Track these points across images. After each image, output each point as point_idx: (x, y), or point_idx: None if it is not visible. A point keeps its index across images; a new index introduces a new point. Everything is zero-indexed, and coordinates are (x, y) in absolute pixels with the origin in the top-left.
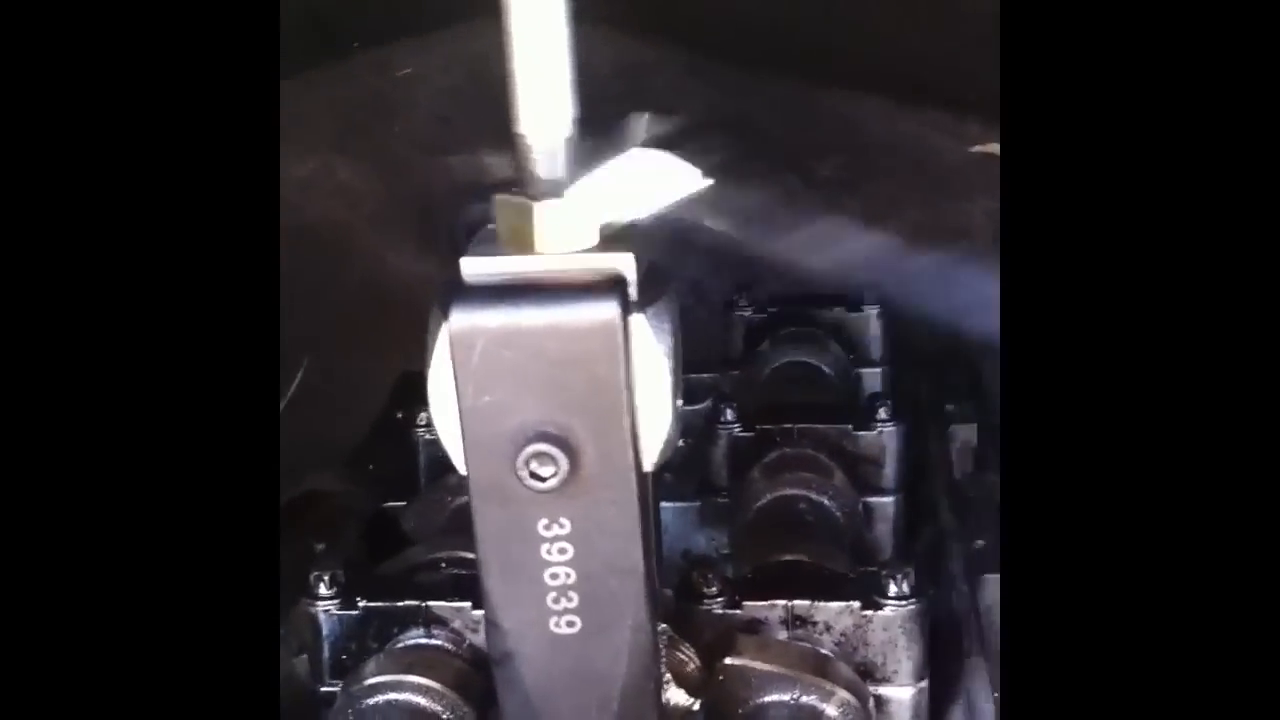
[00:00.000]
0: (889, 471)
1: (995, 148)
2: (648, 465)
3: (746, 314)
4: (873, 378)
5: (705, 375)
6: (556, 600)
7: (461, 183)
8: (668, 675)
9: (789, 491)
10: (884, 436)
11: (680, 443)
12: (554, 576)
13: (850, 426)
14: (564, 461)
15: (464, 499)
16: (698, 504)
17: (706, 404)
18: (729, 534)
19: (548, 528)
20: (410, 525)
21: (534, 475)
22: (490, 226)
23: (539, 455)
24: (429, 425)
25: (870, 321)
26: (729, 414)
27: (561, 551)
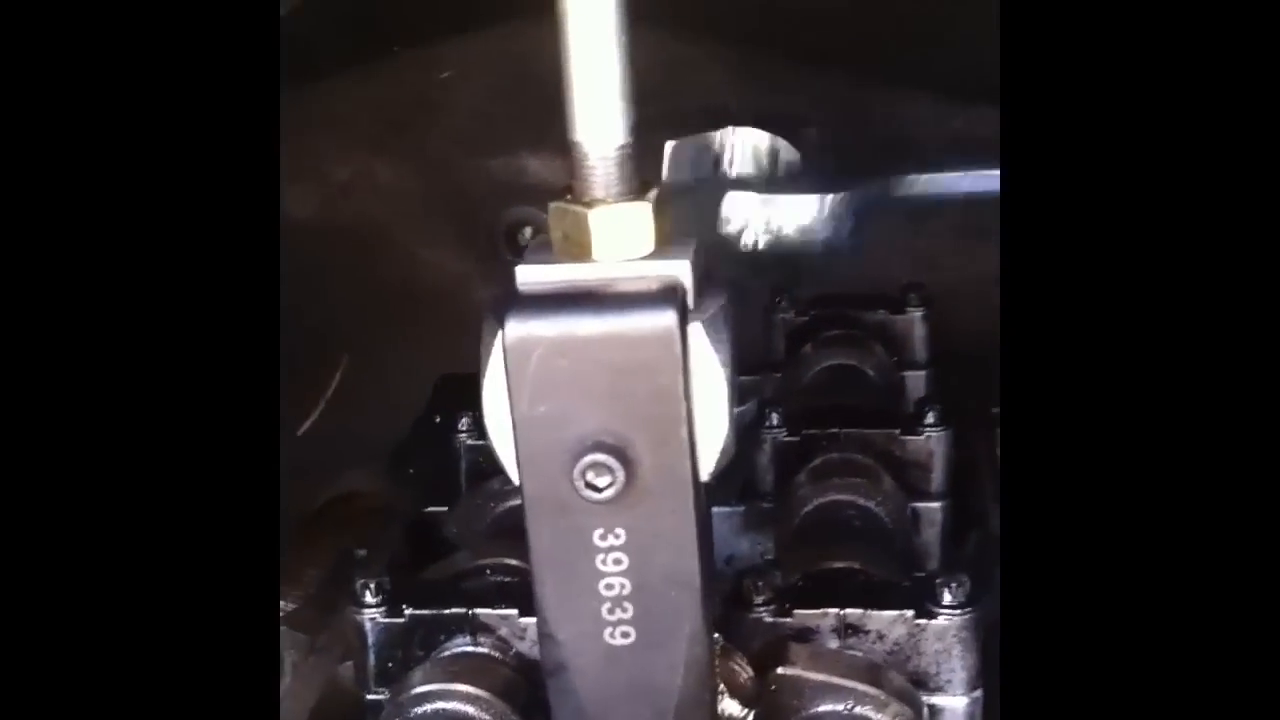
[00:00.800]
0: (937, 476)
1: None
2: (704, 474)
3: (788, 316)
4: (917, 380)
5: (746, 378)
6: (611, 611)
7: (501, 183)
8: (721, 685)
9: (837, 497)
10: (932, 441)
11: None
12: (609, 587)
13: (897, 431)
14: (621, 472)
15: (507, 504)
16: (742, 509)
17: (749, 406)
18: (775, 540)
19: (603, 538)
20: (451, 530)
21: (590, 486)
22: (544, 235)
23: (595, 465)
24: (470, 430)
25: (915, 323)
26: (774, 418)
27: (617, 562)
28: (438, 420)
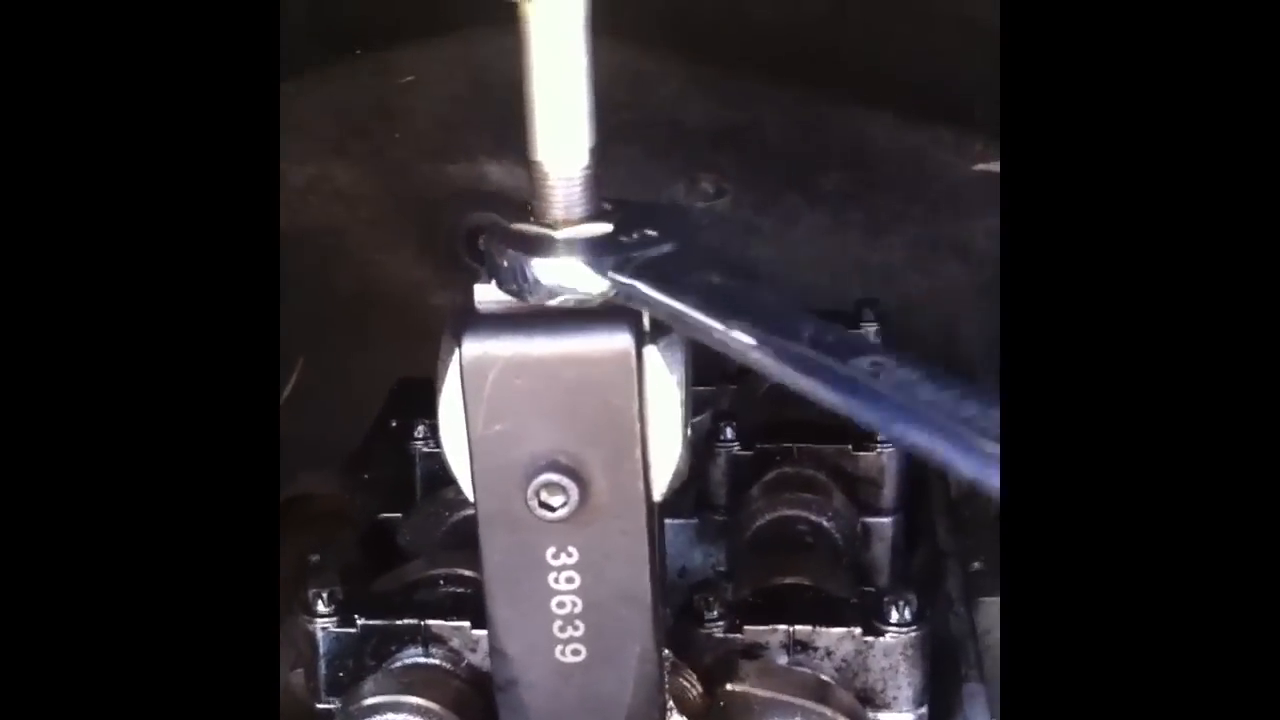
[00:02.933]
0: (888, 492)
1: (999, 166)
2: (657, 495)
3: None
4: None
5: (701, 389)
6: (563, 629)
7: (461, 189)
8: (670, 702)
9: (788, 512)
10: (884, 457)
11: None
12: (561, 605)
13: (849, 446)
14: (574, 491)
15: (462, 514)
16: (695, 521)
17: (704, 417)
18: (727, 553)
19: (556, 556)
20: (406, 538)
21: (544, 505)
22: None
23: (549, 485)
24: (426, 437)
25: (869, 337)
26: (729, 432)
27: (569, 580)
28: (394, 425)
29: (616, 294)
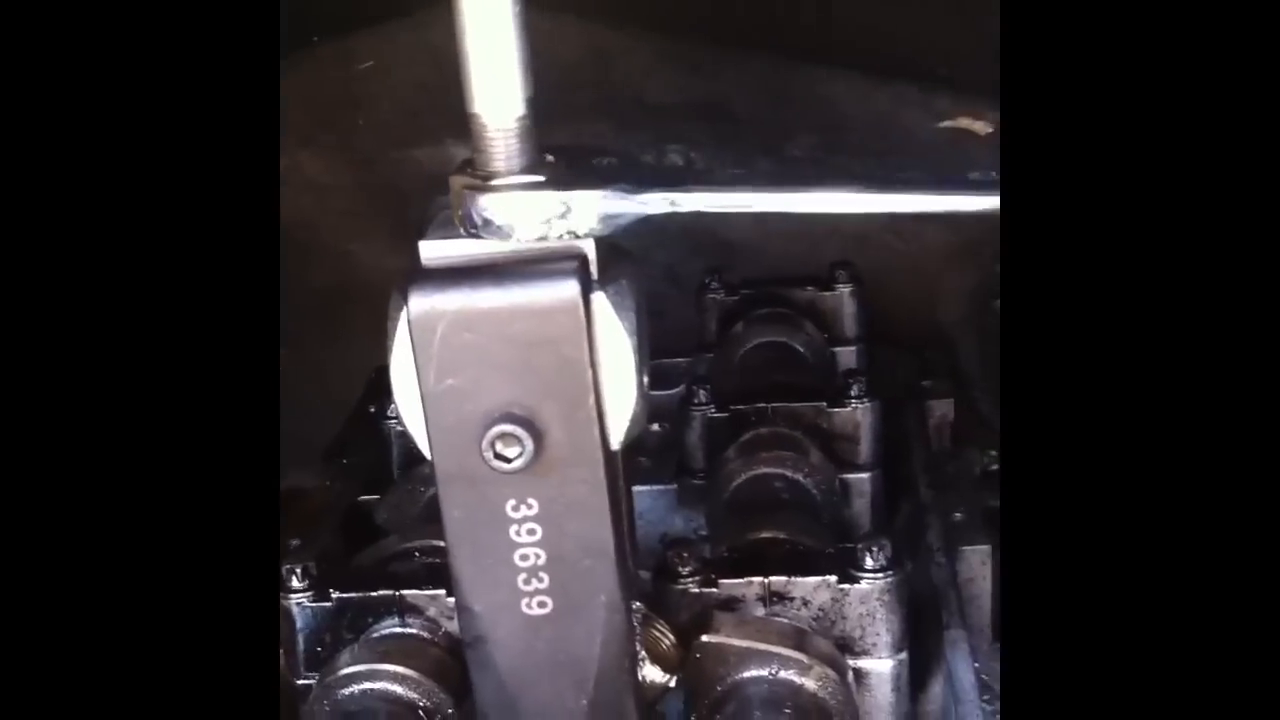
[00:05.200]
0: (865, 447)
1: (965, 122)
2: (614, 443)
3: (719, 296)
4: (848, 356)
5: (680, 359)
6: (527, 581)
7: (430, 174)
8: (643, 653)
9: (764, 470)
10: (858, 413)
11: (656, 426)
12: (524, 558)
13: (824, 404)
14: (529, 442)
15: (436, 489)
16: (674, 486)
17: (681, 388)
18: (706, 515)
19: (516, 509)
20: (383, 517)
21: (499, 456)
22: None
23: (504, 436)
24: (399, 417)
25: (844, 300)
26: (702, 395)
27: (530, 532)
28: (371, 410)
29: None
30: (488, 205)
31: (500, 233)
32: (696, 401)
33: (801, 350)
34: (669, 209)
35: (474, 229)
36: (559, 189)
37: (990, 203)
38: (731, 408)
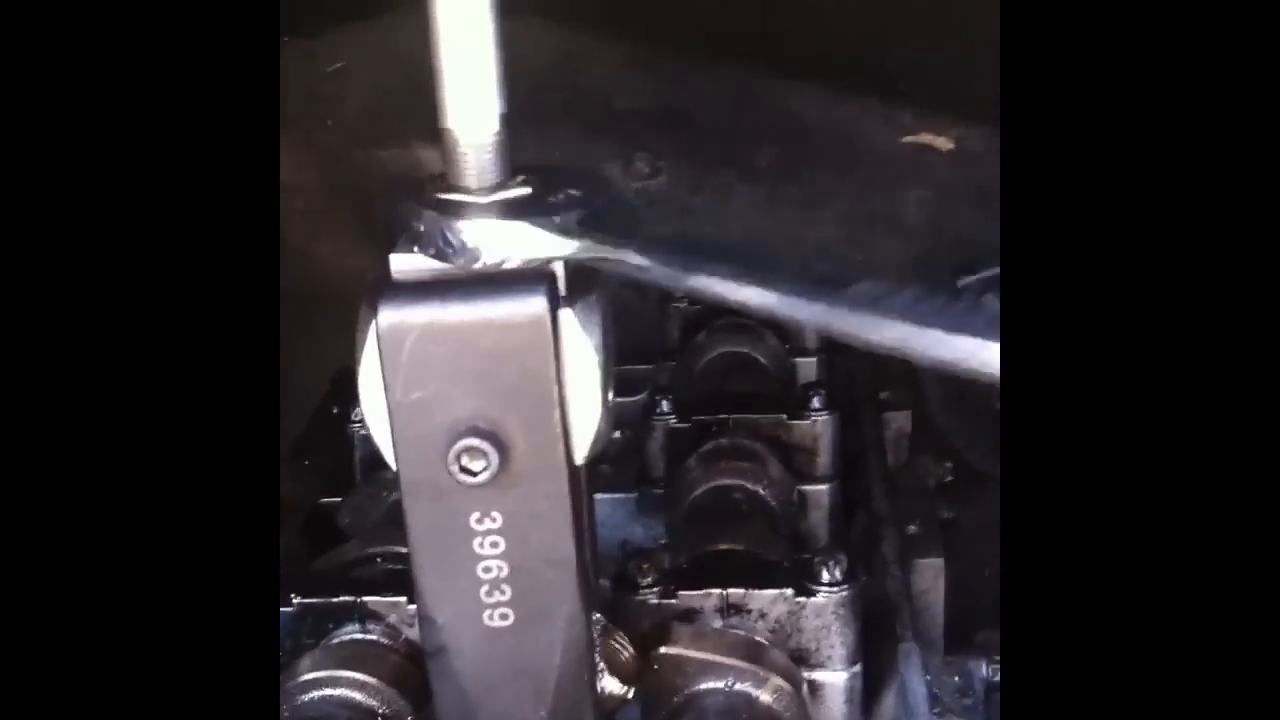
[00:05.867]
0: (823, 460)
1: (927, 138)
2: (579, 458)
3: (682, 305)
4: (808, 367)
5: (642, 367)
6: (489, 593)
7: (395, 176)
8: (602, 664)
9: (724, 481)
10: (818, 425)
11: (617, 434)
12: (486, 570)
13: (784, 416)
14: (494, 456)
15: (398, 494)
16: (635, 495)
17: (643, 396)
18: (666, 524)
19: (479, 521)
20: (345, 521)
21: (465, 470)
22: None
23: (469, 450)
24: (364, 421)
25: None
26: (664, 405)
27: (494, 545)
28: (334, 412)
29: (569, 254)
30: (458, 230)
31: (468, 256)
32: (659, 411)
33: (763, 361)
34: (601, 262)
35: (441, 251)
36: (523, 219)
37: (987, 361)
38: (693, 418)
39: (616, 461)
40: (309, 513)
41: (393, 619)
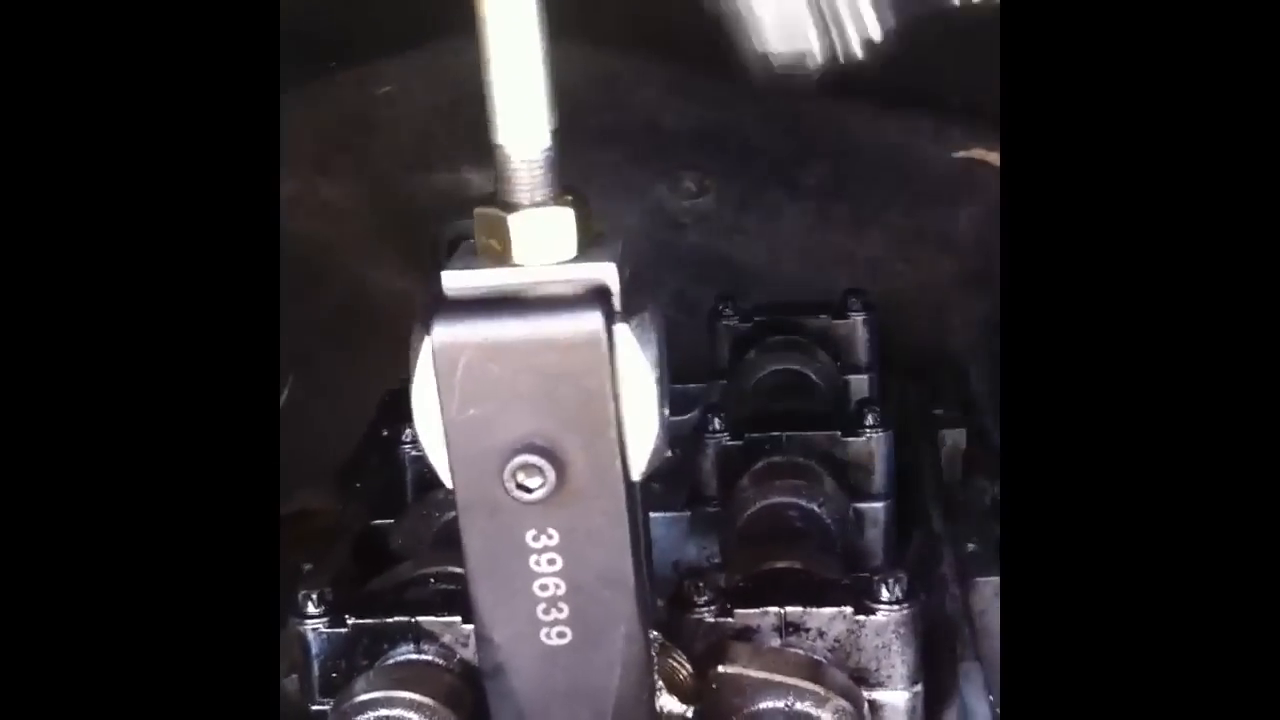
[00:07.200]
0: (878, 477)
1: (979, 152)
2: (635, 474)
3: (732, 323)
4: (860, 384)
5: (692, 385)
6: (546, 611)
7: (444, 198)
8: (660, 683)
9: (779, 499)
10: (872, 442)
11: (669, 453)
12: (543, 588)
13: (839, 433)
14: (551, 473)
15: (451, 514)
16: (688, 514)
17: (694, 414)
18: (720, 543)
19: (536, 539)
20: (398, 542)
21: (521, 487)
22: (470, 240)
23: (525, 467)
24: (415, 441)
25: (857, 328)
26: (717, 423)
27: (551, 563)
28: (384, 434)
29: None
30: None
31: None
32: (711, 429)
33: (815, 378)
34: None
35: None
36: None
37: None
38: (746, 436)
39: (668, 480)
40: (361, 535)
41: (447, 639)
